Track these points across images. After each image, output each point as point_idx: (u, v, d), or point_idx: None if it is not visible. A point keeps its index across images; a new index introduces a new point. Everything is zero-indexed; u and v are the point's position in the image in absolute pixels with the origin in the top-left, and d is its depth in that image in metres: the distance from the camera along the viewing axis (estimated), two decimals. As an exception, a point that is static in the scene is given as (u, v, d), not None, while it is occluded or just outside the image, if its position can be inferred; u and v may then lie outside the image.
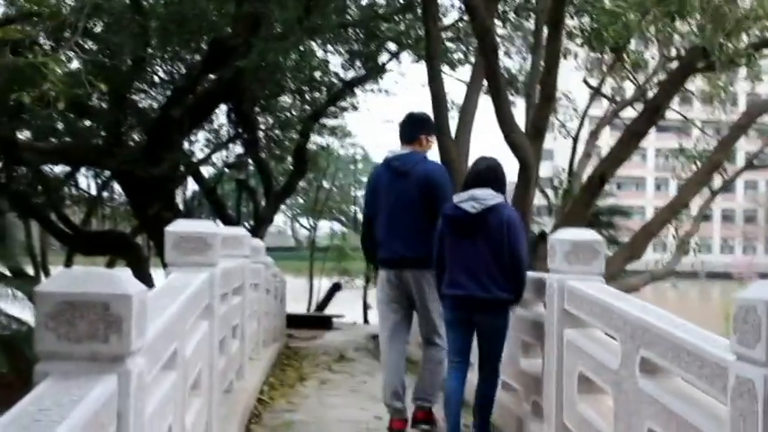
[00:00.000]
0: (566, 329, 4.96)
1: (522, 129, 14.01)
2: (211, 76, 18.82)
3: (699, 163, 18.08)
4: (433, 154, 7.15)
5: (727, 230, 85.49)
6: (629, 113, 18.08)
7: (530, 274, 5.75)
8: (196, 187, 26.83)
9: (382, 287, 6.47)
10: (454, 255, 5.65)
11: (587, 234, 5.12)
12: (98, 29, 17.62)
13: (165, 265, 5.13)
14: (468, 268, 5.57)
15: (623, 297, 4.29)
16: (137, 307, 2.54)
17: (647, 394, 3.69)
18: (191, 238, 4.83)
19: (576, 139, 20.34)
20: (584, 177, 18.60)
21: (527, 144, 12.54)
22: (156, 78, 21.30)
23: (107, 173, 22.15)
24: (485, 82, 19.00)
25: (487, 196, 5.57)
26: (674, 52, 17.88)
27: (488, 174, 5.74)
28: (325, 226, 52.74)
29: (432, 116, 7.18)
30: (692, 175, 17.45)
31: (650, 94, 19.57)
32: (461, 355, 5.75)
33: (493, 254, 5.51)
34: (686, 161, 20.51)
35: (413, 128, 6.51)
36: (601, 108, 21.56)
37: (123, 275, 2.59)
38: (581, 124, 20.71)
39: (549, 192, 24.29)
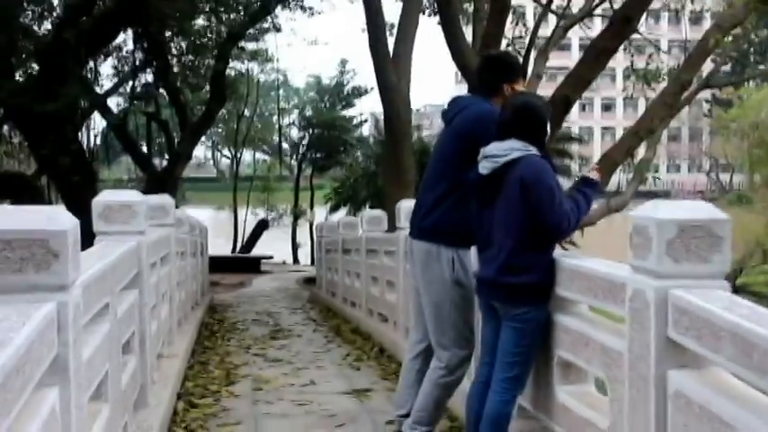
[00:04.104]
0: (670, 371, 2.98)
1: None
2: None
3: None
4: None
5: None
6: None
7: (588, 266, 3.76)
8: (104, 123, 24.49)
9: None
10: (478, 228, 4.35)
11: (701, 210, 3.08)
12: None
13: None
14: (486, 244, 4.26)
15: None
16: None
17: None
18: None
19: (526, 59, 18.32)
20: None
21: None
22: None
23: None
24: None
25: (505, 150, 4.13)
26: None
27: (512, 119, 4.19)
28: (248, 156, 50.62)
29: (510, 59, 5.25)
30: (656, 97, 15.81)
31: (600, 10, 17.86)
32: (488, 355, 4.32)
33: (508, 224, 4.09)
34: (643, 81, 19.01)
35: (492, 76, 4.78)
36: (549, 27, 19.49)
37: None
38: (531, 42, 18.66)
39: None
